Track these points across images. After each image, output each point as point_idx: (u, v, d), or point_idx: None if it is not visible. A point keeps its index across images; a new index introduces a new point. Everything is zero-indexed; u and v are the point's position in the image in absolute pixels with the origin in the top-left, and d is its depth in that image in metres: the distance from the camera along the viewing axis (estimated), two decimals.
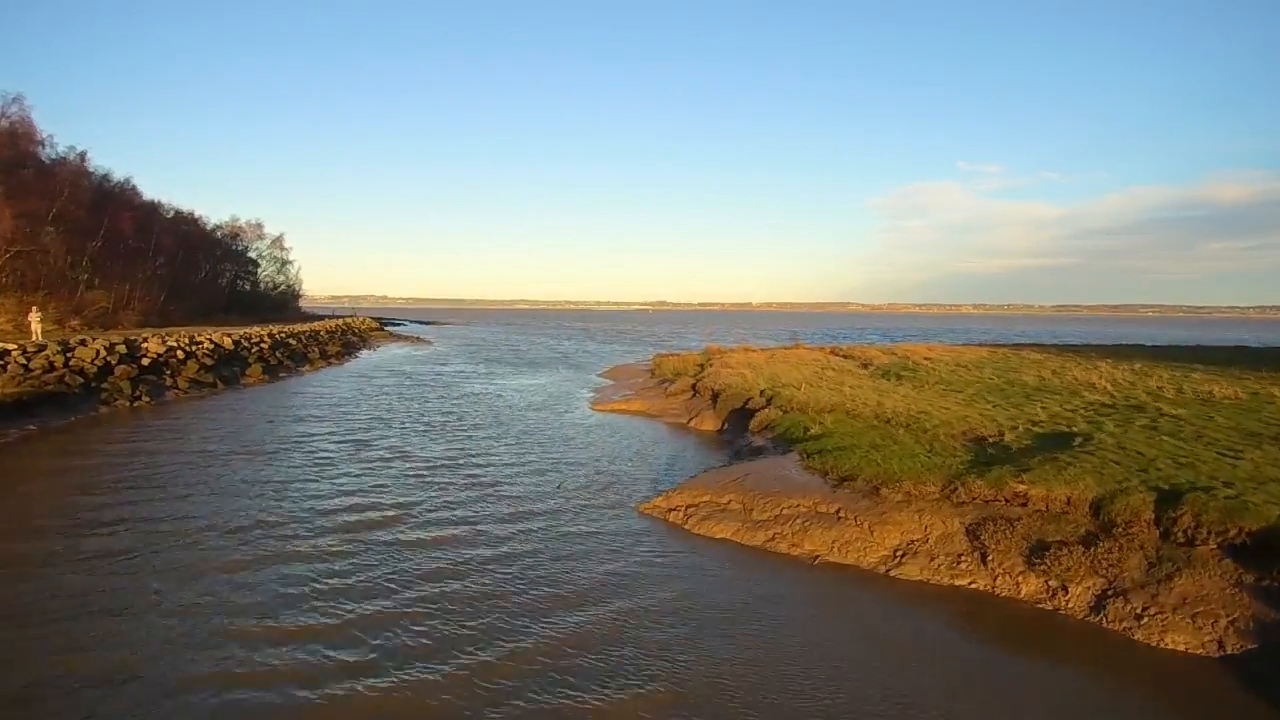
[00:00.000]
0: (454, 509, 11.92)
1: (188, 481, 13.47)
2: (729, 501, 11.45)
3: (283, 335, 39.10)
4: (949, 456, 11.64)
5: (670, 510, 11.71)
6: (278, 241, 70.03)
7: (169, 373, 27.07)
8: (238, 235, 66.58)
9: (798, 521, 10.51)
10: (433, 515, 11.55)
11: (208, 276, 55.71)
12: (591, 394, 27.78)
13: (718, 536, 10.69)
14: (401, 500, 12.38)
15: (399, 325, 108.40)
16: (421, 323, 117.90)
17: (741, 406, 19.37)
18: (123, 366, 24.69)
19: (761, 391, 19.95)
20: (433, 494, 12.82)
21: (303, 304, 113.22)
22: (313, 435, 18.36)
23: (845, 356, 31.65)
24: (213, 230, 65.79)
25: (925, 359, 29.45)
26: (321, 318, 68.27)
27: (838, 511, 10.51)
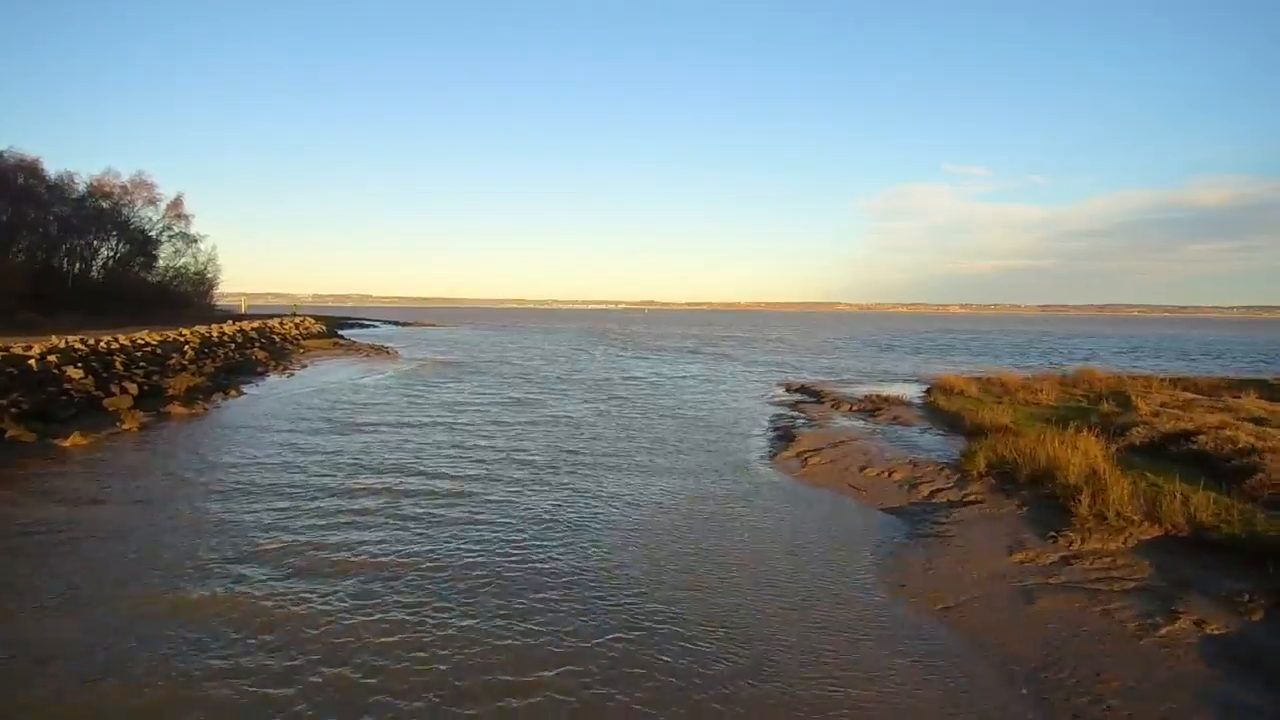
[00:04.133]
0: None
1: None
2: None
3: (56, 359, 18.30)
4: None
5: None
6: (175, 207, 48.75)
7: None
8: (111, 196, 45.33)
9: None
10: None
11: (25, 253, 34.61)
12: None
13: None
14: None
15: (369, 327, 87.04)
16: (398, 324, 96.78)
17: None
18: None
19: None
20: None
21: (246, 304, 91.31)
22: None
23: None
24: (82, 194, 44.79)
25: None
26: (240, 319, 47.16)
27: None
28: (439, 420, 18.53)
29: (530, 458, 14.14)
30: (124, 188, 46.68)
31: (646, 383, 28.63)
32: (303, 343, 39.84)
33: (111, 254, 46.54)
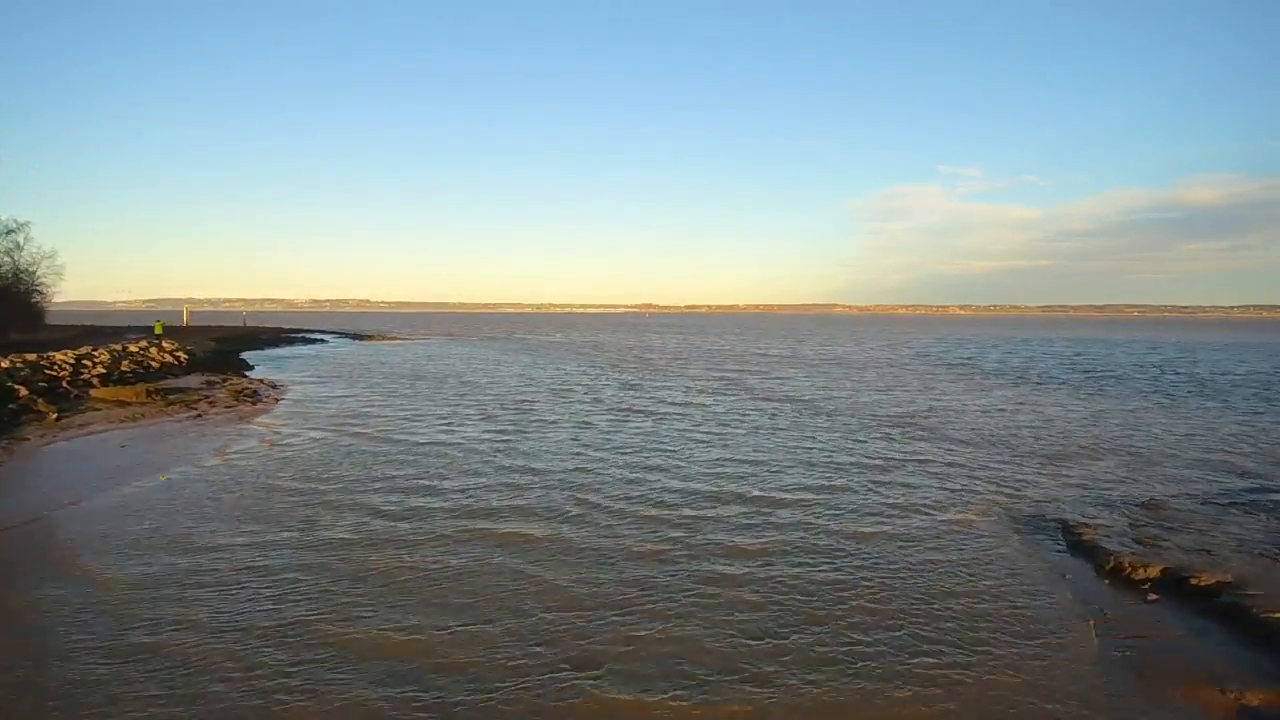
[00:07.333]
0: None
1: None
2: None
3: None
4: None
5: None
6: None
7: None
8: None
9: None
10: None
11: None
12: None
13: None
14: None
15: (315, 342, 70.24)
16: (356, 337, 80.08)
17: None
18: None
19: None
20: None
21: (189, 314, 73.94)
22: None
23: None
24: None
25: None
26: (71, 339, 30.42)
27: None
28: None
29: None
30: None
31: (729, 568, 11.74)
32: (91, 393, 22.97)
33: None
